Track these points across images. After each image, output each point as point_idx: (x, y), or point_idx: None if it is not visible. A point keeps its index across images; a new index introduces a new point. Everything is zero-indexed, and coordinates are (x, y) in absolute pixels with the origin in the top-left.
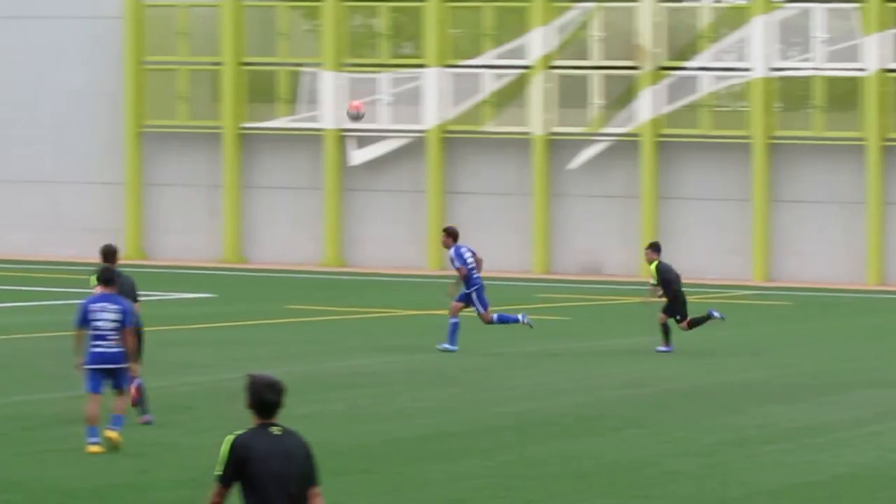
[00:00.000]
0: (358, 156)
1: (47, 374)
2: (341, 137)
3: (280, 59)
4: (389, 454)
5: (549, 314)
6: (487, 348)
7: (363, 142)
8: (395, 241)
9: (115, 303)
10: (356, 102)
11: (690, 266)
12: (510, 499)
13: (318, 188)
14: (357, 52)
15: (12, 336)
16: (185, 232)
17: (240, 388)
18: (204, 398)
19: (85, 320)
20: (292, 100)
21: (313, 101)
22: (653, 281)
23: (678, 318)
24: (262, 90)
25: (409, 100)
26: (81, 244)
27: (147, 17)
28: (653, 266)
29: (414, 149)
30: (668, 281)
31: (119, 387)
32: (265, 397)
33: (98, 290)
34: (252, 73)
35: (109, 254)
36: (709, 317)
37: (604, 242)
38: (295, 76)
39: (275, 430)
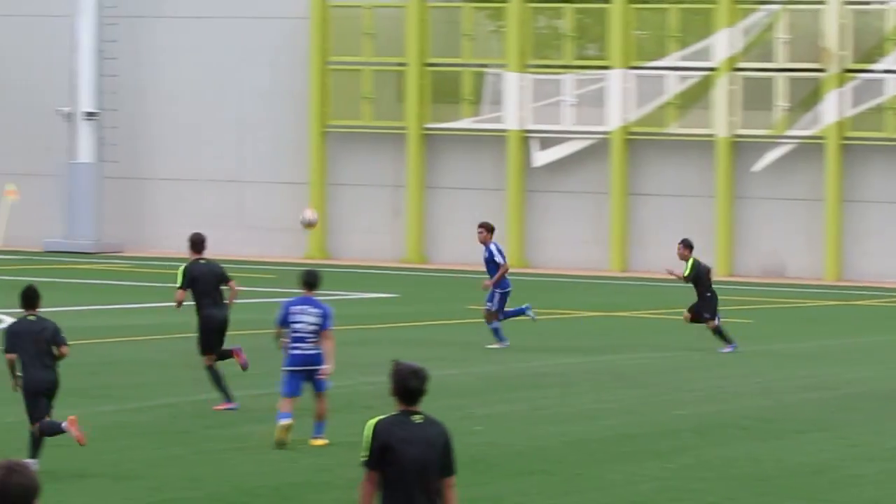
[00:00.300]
0: (541, 157)
1: (229, 372)
2: (525, 138)
3: (464, 60)
4: (570, 455)
5: (731, 317)
6: (669, 350)
7: (546, 143)
8: (577, 242)
9: (316, 306)
10: (309, 214)
11: (874, 269)
12: (690, 501)
13: (501, 189)
14: (541, 53)
15: (195, 334)
16: (367, 232)
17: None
18: (385, 398)
19: (285, 321)
20: (476, 101)
21: (497, 102)
22: (685, 274)
23: (707, 315)
24: (446, 91)
25: (593, 101)
26: (265, 243)
27: (332, 17)
28: (690, 262)
29: (597, 150)
30: (699, 279)
31: (317, 390)
32: (409, 384)
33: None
34: (436, 74)
35: (199, 242)
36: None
37: (787, 245)
38: (479, 77)
39: (416, 418)
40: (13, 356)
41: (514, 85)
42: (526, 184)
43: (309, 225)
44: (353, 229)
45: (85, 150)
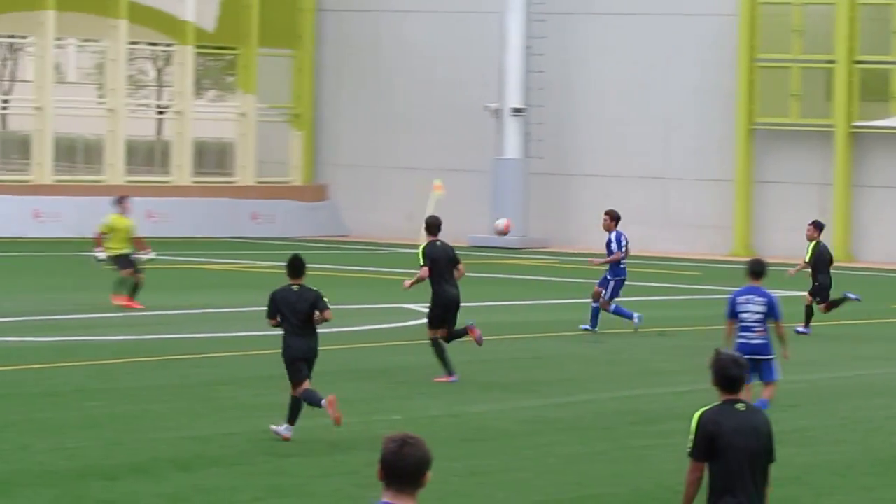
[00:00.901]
0: None
1: (655, 369)
2: None
3: (894, 58)
4: None
5: None
6: None
7: None
8: None
9: (762, 295)
10: (502, 225)
11: None
12: None
13: None
14: None
15: (622, 331)
16: (793, 229)
17: (848, 386)
18: (811, 395)
19: (733, 312)
20: None
21: None
22: (806, 259)
23: (818, 300)
24: (874, 89)
25: None
26: (690, 240)
27: (761, 14)
28: (812, 244)
29: None
30: (824, 263)
31: (764, 379)
32: (729, 372)
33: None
34: (865, 72)
35: (434, 226)
36: (845, 299)
37: None
38: None
39: (739, 407)
40: (275, 321)
41: None
42: None
43: (501, 234)
44: (777, 227)
45: (511, 146)
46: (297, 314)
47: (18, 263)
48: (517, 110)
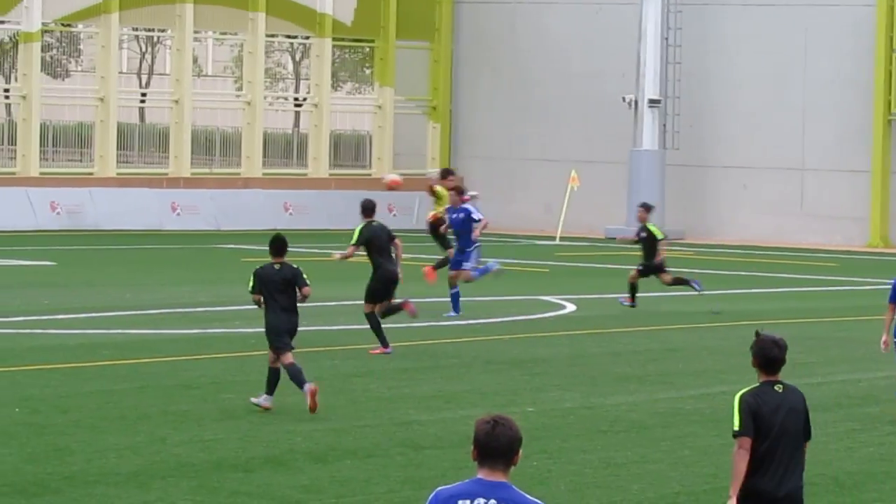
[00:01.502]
0: None
1: (790, 360)
2: None
3: None
4: None
5: None
6: None
7: None
8: None
9: None
10: (391, 179)
11: None
12: None
13: None
14: None
15: (754, 322)
16: None
17: None
18: None
19: (895, 297)
20: None
21: None
22: (659, 236)
23: (656, 274)
24: None
25: None
26: (826, 232)
27: None
28: (652, 226)
29: None
30: (652, 243)
31: None
32: (769, 353)
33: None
34: None
35: (369, 208)
36: (688, 283)
37: None
38: None
39: (777, 388)
40: (259, 297)
41: None
42: None
43: (391, 189)
44: None
45: (648, 137)
46: (278, 291)
47: (155, 256)
48: (654, 101)
